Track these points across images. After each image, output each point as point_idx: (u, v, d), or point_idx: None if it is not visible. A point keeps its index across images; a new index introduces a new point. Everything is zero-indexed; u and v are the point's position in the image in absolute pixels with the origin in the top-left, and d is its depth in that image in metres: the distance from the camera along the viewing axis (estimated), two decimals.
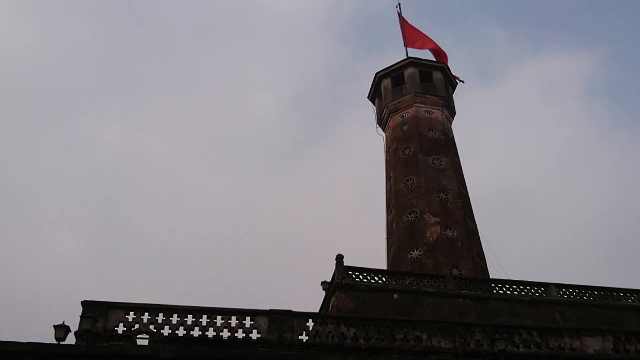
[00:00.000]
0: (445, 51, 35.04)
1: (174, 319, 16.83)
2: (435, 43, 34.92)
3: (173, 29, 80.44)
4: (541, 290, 22.94)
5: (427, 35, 35.39)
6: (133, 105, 74.71)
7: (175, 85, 78.05)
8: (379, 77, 34.19)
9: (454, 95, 34.82)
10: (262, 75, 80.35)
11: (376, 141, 48.51)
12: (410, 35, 35.35)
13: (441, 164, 29.48)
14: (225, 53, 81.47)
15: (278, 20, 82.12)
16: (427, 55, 35.07)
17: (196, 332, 16.73)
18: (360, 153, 68.42)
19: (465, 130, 69.31)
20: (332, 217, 65.78)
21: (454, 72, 34.72)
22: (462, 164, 31.44)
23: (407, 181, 29.08)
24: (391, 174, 30.57)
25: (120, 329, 16.53)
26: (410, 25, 35.96)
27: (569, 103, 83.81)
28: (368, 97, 35.64)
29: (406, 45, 35.16)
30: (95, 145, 69.50)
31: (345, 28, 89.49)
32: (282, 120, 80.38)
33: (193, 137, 74.93)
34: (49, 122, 72.39)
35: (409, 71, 33.30)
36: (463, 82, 34.85)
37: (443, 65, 34.15)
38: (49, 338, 15.29)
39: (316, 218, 66.29)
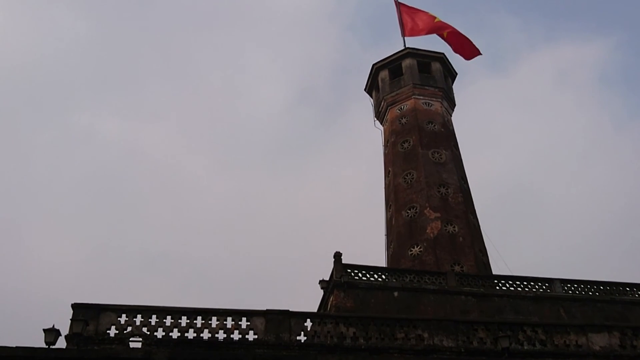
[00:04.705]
0: (457, 29, 33.17)
1: (168, 320, 16.49)
2: (444, 24, 33.44)
3: (173, 20, 79.79)
4: (545, 286, 22.62)
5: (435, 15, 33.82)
6: (132, 100, 74.18)
7: (176, 79, 77.54)
8: (376, 69, 33.66)
9: (453, 87, 34.33)
10: (266, 68, 79.72)
11: (375, 135, 48.11)
12: (410, 22, 34.35)
13: (441, 158, 29.01)
14: (228, 45, 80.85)
15: (283, 10, 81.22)
16: (430, 43, 34.14)
17: (191, 334, 16.39)
18: (362, 147, 67.94)
19: (476, 122, 68.47)
20: (331, 214, 65.40)
21: (459, 60, 33.88)
22: (468, 157, 31.18)
23: (407, 176, 28.61)
24: (390, 169, 30.10)
25: (112, 331, 16.17)
26: (411, 10, 34.83)
27: (582, 92, 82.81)
28: (365, 90, 35.11)
29: (403, 35, 34.43)
30: (93, 142, 68.99)
31: (353, 17, 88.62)
32: (286, 114, 79.88)
33: (194, 133, 74.50)
34: (45, 118, 71.90)
35: (406, 62, 32.76)
36: (481, 54, 33.71)
37: (442, 55, 33.53)
38: (39, 342, 14.96)
39: (315, 215, 65.89)
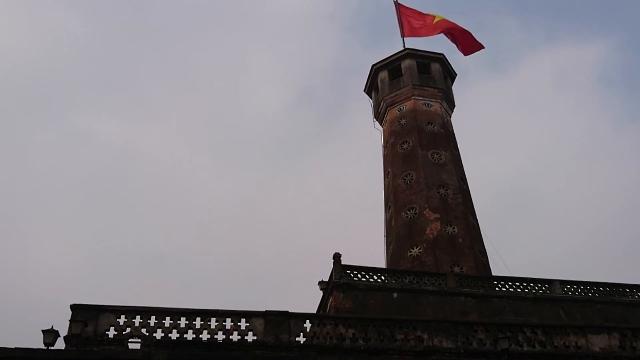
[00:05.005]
0: (464, 28, 33.14)
1: (167, 321, 16.49)
2: (445, 23, 33.46)
3: (173, 20, 79.59)
4: (545, 287, 22.57)
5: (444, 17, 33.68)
6: (132, 100, 73.94)
7: (176, 79, 77.36)
8: (376, 69, 33.59)
9: (453, 87, 34.25)
10: (267, 69, 79.52)
11: (375, 135, 48.02)
12: (410, 23, 34.28)
13: (441, 159, 28.98)
14: (228, 45, 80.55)
15: (283, 11, 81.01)
16: (429, 43, 34.06)
17: (190, 335, 16.38)
18: (361, 148, 67.84)
19: (475, 123, 68.22)
20: (331, 214, 65.24)
21: (460, 62, 33.67)
22: (467, 158, 31.05)
23: (406, 176, 28.57)
24: (389, 170, 30.06)
25: (112, 333, 16.18)
26: (410, 11, 34.78)
27: (582, 92, 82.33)
28: (364, 90, 35.04)
29: (403, 35, 34.36)
30: (93, 143, 68.82)
31: (353, 18, 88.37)
32: (286, 115, 79.64)
33: (194, 133, 74.31)
34: (45, 119, 71.74)
35: (406, 63, 32.70)
36: (483, 47, 33.58)
37: (442, 56, 33.47)
38: (38, 343, 14.97)
39: (315, 215, 65.77)
